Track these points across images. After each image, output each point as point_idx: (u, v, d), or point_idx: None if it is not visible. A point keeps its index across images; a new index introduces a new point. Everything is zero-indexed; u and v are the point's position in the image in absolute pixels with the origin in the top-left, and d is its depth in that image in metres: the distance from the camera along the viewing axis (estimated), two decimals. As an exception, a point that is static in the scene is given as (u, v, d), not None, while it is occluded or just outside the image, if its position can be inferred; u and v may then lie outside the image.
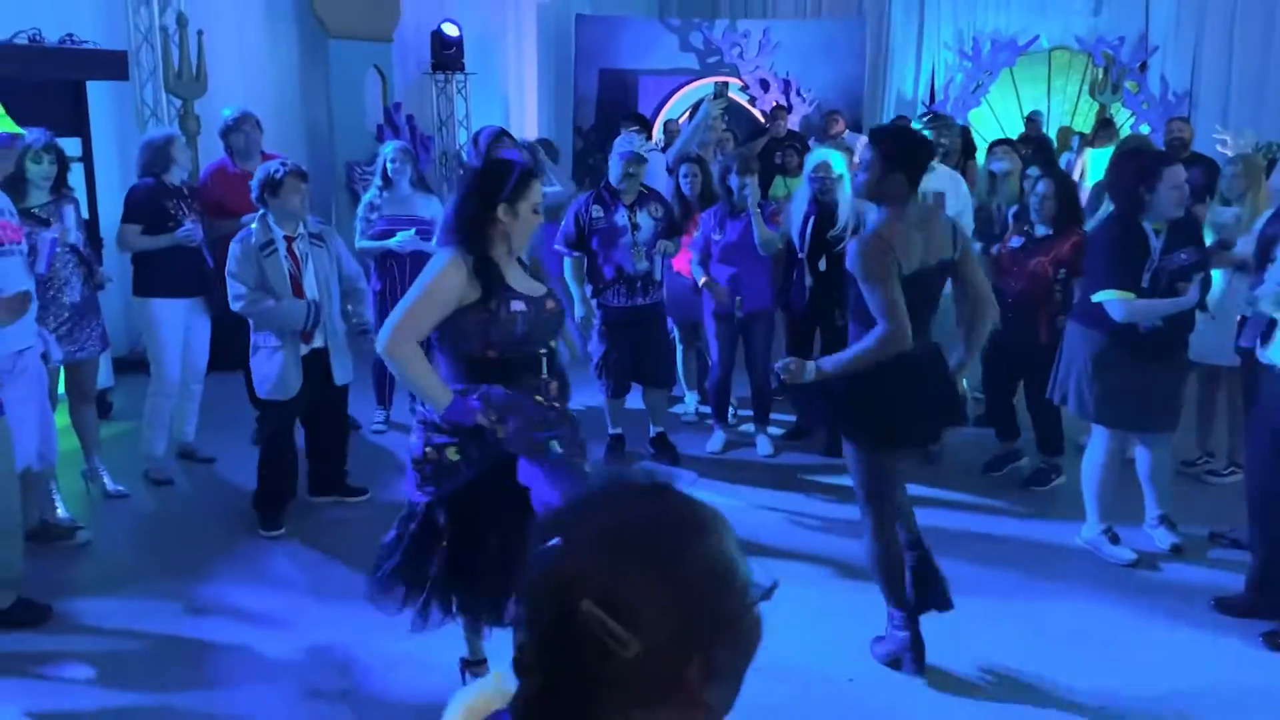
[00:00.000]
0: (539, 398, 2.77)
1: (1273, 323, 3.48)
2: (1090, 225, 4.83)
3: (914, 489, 4.75)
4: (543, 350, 2.80)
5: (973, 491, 4.80)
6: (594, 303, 4.92)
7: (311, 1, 8.31)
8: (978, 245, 5.02)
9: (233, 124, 5.29)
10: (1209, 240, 4.39)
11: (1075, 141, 9.50)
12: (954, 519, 4.49)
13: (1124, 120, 10.69)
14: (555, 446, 2.74)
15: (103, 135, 6.38)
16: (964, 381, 3.40)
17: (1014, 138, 7.88)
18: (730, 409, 5.59)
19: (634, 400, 5.27)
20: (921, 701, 3.15)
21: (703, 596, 0.91)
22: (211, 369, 5.19)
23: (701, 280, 5.13)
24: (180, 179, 4.95)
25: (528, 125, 10.79)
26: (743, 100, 10.96)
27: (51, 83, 5.72)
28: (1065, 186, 4.70)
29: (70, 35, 5.86)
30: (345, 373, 4.46)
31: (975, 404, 5.87)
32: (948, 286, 3.30)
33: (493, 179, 2.74)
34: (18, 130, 3.79)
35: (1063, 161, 8.14)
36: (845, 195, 4.93)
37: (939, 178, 5.03)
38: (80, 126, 5.91)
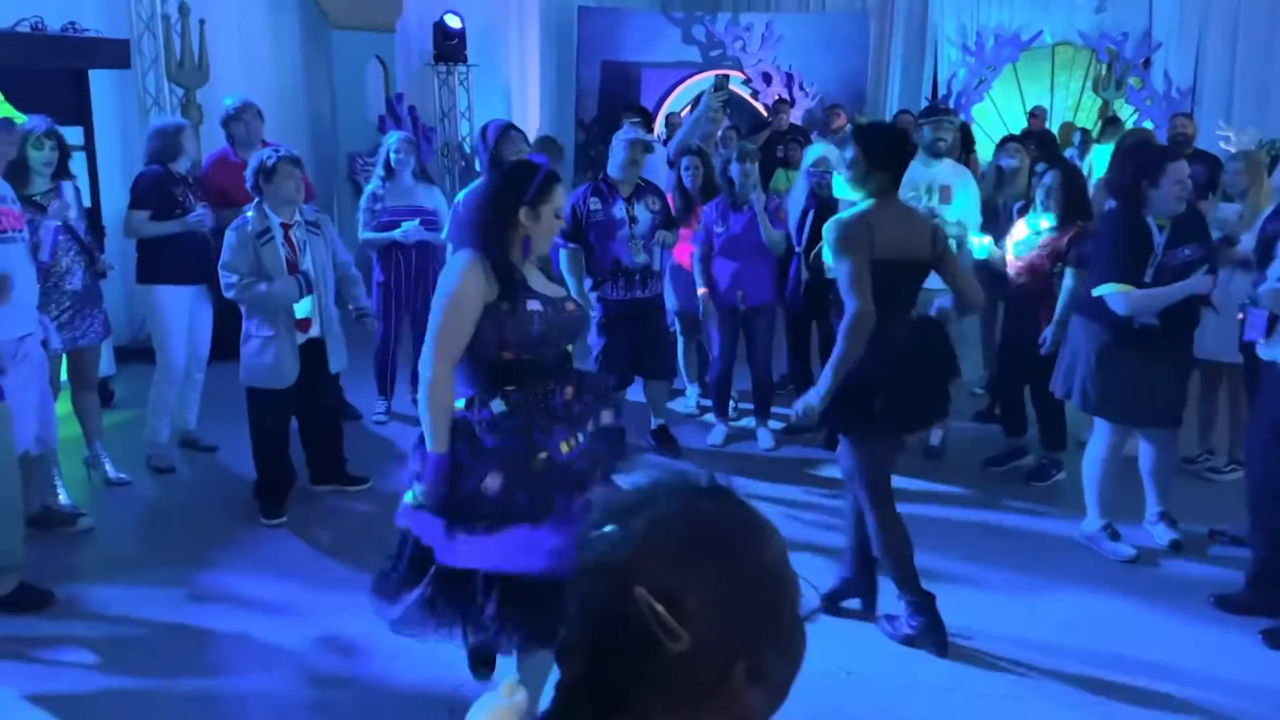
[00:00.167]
0: (561, 395, 2.63)
1: (1274, 319, 3.48)
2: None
3: (916, 483, 4.80)
4: (560, 353, 2.73)
5: (974, 486, 4.81)
6: (593, 296, 4.92)
7: (314, -9, 8.31)
8: (989, 239, 5.04)
9: (234, 113, 5.29)
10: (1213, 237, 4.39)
11: (1077, 137, 9.49)
12: (955, 513, 4.51)
13: (1127, 116, 10.68)
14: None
15: (105, 124, 6.37)
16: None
17: (1018, 134, 7.89)
18: (731, 402, 5.59)
19: (634, 393, 5.27)
20: (920, 694, 3.16)
21: (756, 599, 0.91)
22: (213, 358, 5.19)
23: (700, 290, 5.16)
24: (186, 168, 4.96)
25: (530, 117, 10.78)
26: (745, 94, 10.94)
27: (54, 71, 5.72)
28: (1072, 178, 4.69)
29: (72, 23, 5.85)
30: (340, 360, 4.48)
31: (975, 400, 5.90)
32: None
33: (515, 181, 2.67)
34: (18, 116, 3.79)
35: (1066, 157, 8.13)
36: (842, 189, 4.98)
37: (944, 171, 5.03)
38: (82, 115, 5.91)
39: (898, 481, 4.79)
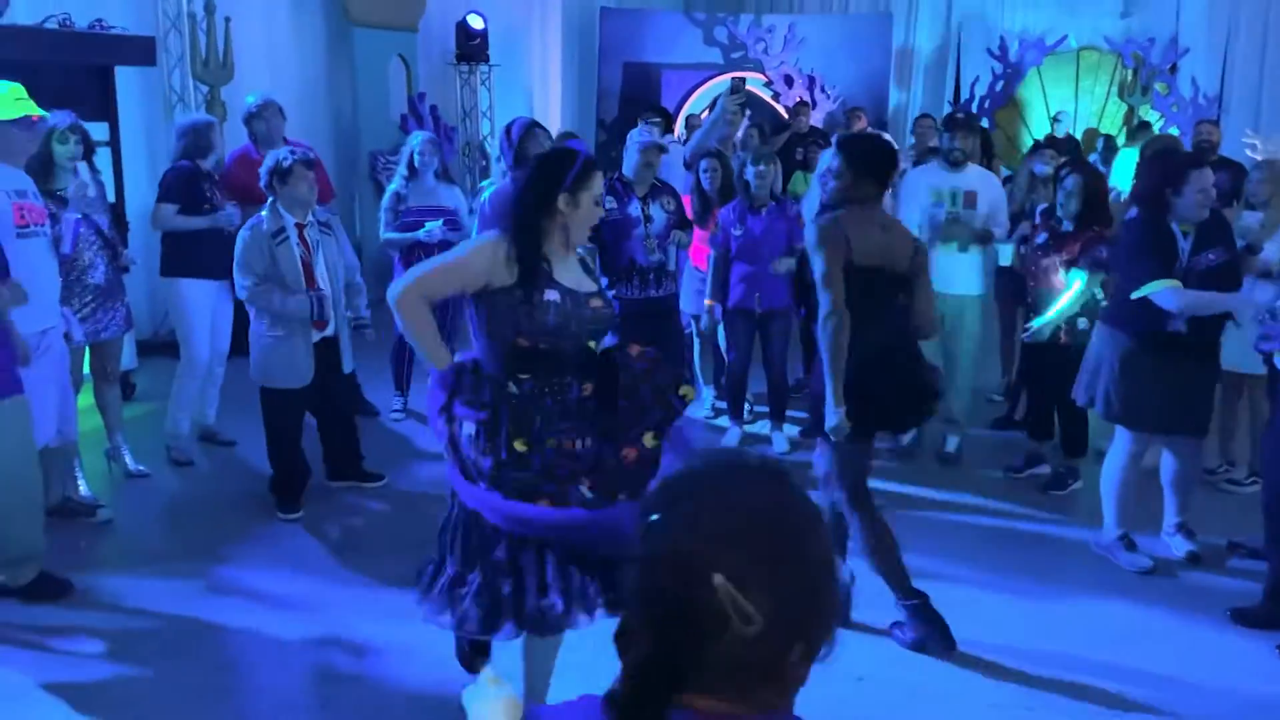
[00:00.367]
0: (578, 389, 2.61)
1: None
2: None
3: (932, 490, 4.79)
4: (581, 348, 2.64)
5: (990, 493, 4.78)
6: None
7: (338, -10, 8.36)
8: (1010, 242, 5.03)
9: (255, 111, 5.34)
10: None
11: (1101, 143, 9.42)
12: (970, 520, 4.48)
13: (1153, 123, 10.58)
14: (584, 491, 2.55)
15: (130, 120, 6.44)
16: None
17: (1049, 139, 7.84)
18: (746, 405, 5.58)
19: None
20: (931, 700, 3.15)
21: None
22: (233, 353, 5.24)
23: (707, 301, 5.17)
24: (213, 164, 5.02)
25: (551, 117, 10.80)
26: (766, 96, 10.93)
27: (80, 67, 5.78)
28: (1093, 183, 4.65)
29: (99, 20, 5.91)
30: (349, 361, 4.51)
31: (994, 407, 5.86)
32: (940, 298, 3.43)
33: (554, 167, 2.62)
34: (40, 112, 3.83)
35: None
36: None
37: (968, 177, 5.00)
38: (108, 111, 5.97)
39: (914, 487, 4.82)
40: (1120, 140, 9.14)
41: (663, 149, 4.93)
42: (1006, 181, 6.36)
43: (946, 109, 11.03)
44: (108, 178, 5.31)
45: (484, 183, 5.44)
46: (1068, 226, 4.62)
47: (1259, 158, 5.49)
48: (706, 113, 8.90)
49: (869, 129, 8.80)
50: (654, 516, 0.95)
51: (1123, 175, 7.11)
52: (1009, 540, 4.30)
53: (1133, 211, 4.80)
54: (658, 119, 7.29)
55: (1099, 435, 4.93)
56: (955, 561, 4.04)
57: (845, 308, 3.16)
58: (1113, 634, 3.54)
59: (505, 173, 5.16)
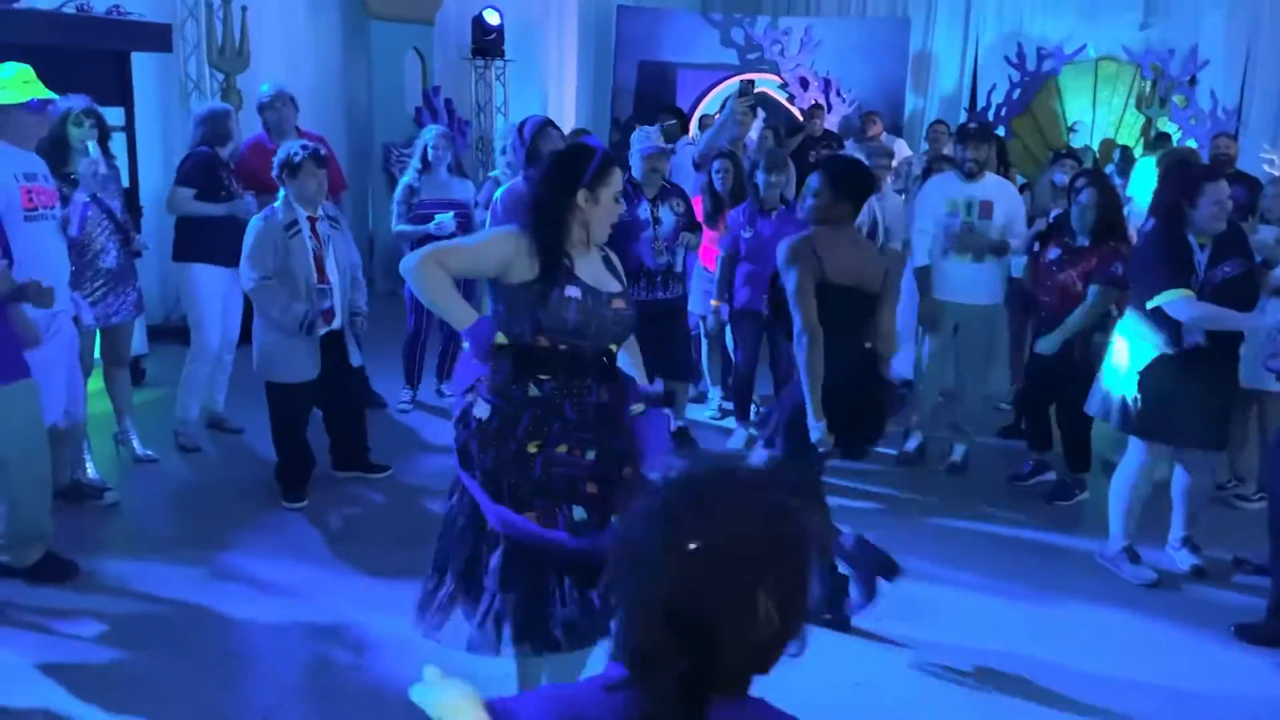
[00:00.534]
0: (596, 395, 2.57)
1: None
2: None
3: (937, 496, 4.77)
4: (600, 350, 2.59)
5: (995, 503, 4.76)
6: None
7: (356, -19, 8.38)
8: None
9: (267, 101, 5.36)
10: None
11: (1117, 154, 9.38)
12: (975, 527, 4.47)
13: (1171, 135, 10.52)
14: (577, 512, 2.50)
15: (146, 106, 6.46)
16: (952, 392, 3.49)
17: (1062, 151, 7.80)
18: (753, 407, 5.57)
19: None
20: (930, 707, 3.14)
21: (810, 583, 1.06)
22: (243, 341, 5.25)
23: (714, 302, 5.17)
24: (229, 152, 5.04)
25: (566, 114, 10.80)
26: (781, 98, 10.91)
27: (97, 52, 5.80)
28: (1108, 198, 4.63)
29: (117, 6, 5.94)
30: (356, 355, 4.53)
31: (1001, 415, 5.84)
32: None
33: (573, 163, 2.57)
34: (49, 95, 3.84)
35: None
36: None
37: (985, 186, 4.96)
38: (124, 96, 6.00)
39: (919, 494, 4.81)
40: (1138, 151, 9.10)
41: (665, 153, 4.92)
42: (1023, 190, 6.33)
43: (963, 116, 11.00)
44: (122, 163, 5.33)
45: (493, 173, 5.43)
46: (1082, 241, 4.59)
47: (1276, 173, 5.47)
48: (719, 114, 8.90)
49: (884, 133, 8.79)
50: (691, 546, 1.00)
51: (1139, 186, 7.09)
52: (1013, 549, 4.29)
53: (1149, 224, 4.79)
54: (672, 120, 7.29)
55: (1105, 447, 4.92)
56: (958, 569, 4.03)
57: (818, 324, 3.28)
58: (1115, 646, 3.53)
59: (509, 166, 5.15)
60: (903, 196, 6.49)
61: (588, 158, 2.58)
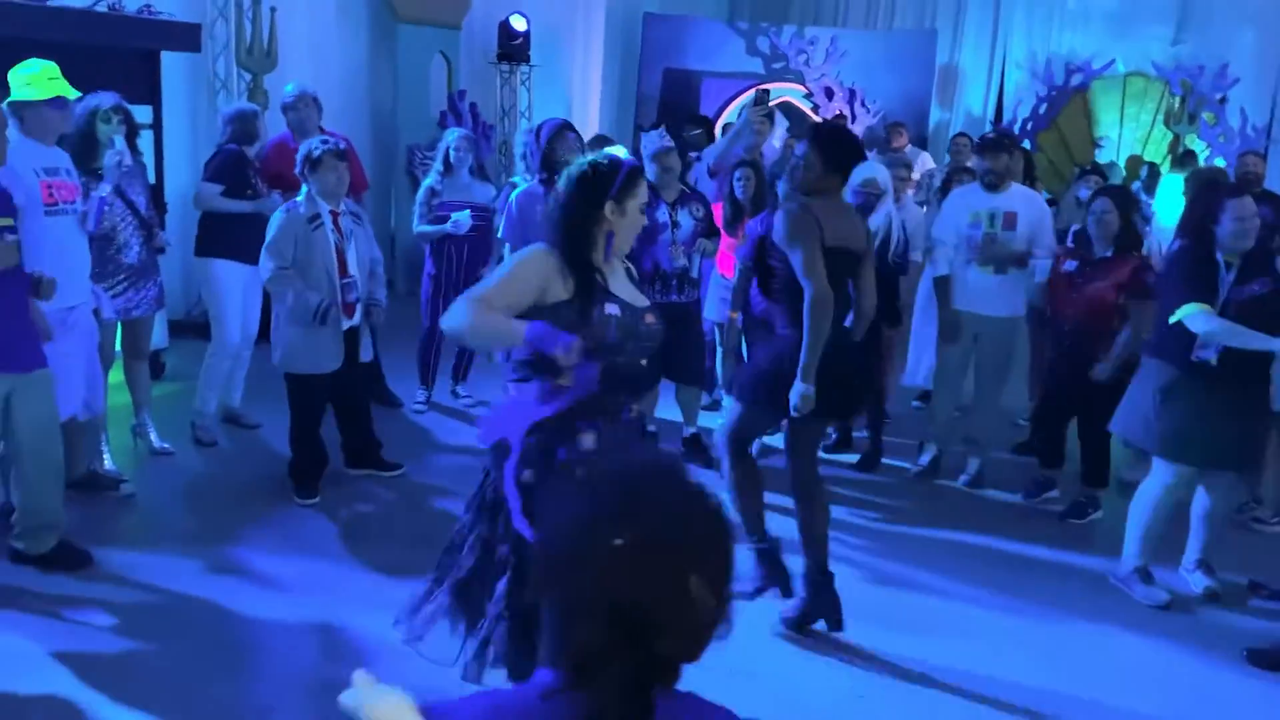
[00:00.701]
0: (629, 412, 2.57)
1: None
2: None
3: (948, 510, 4.74)
4: (635, 365, 2.60)
5: (1007, 518, 4.73)
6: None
7: (384, -15, 8.45)
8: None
9: (291, 102, 5.42)
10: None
11: (1144, 171, 9.30)
12: (985, 544, 4.43)
13: (1199, 152, 10.42)
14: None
15: (174, 104, 6.53)
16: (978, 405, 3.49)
17: (1088, 166, 7.75)
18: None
19: (668, 405, 5.29)
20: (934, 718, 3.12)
21: (733, 562, 1.09)
22: (261, 338, 5.30)
23: (731, 314, 5.16)
24: (255, 152, 5.11)
25: (590, 120, 10.83)
26: (806, 108, 10.90)
27: (127, 50, 5.88)
28: (1124, 204, 4.59)
29: (148, 5, 6.02)
30: (366, 350, 4.58)
31: (1017, 430, 5.80)
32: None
33: (600, 176, 2.58)
34: (72, 93, 3.90)
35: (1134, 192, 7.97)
36: (881, 207, 4.97)
37: (1009, 198, 4.92)
38: (152, 95, 6.07)
39: (931, 506, 4.78)
40: (1165, 168, 9.01)
41: (672, 149, 4.93)
42: (1048, 205, 6.28)
43: (988, 129, 10.94)
44: (149, 159, 5.39)
45: (514, 178, 5.46)
46: (1103, 252, 4.55)
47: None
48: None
49: (909, 146, 8.76)
50: (619, 542, 1.02)
51: (1164, 203, 7.02)
52: (1022, 566, 4.25)
53: (1176, 242, 4.74)
54: (698, 129, 7.30)
55: (1121, 466, 4.88)
56: (966, 584, 4.01)
57: (830, 290, 3.31)
58: (1123, 669, 3.49)
59: (527, 169, 5.16)
60: (923, 208, 6.46)
61: (614, 170, 2.59)
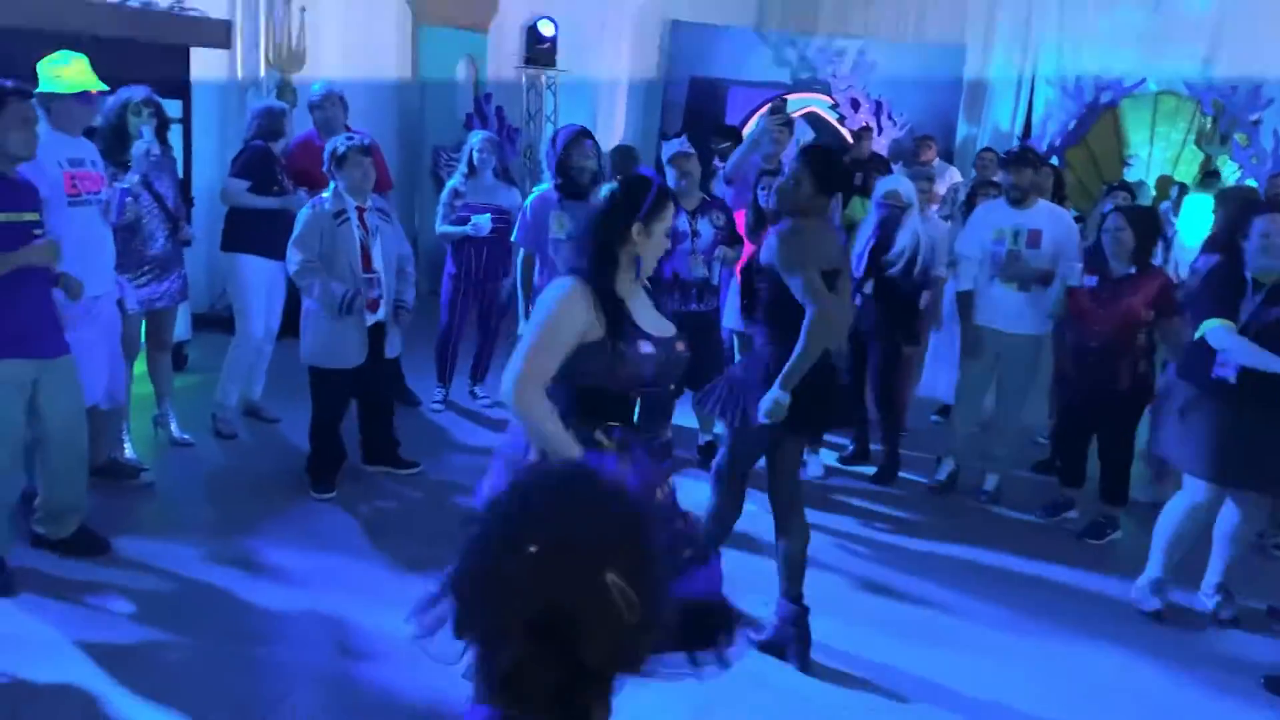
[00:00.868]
0: (660, 439, 2.56)
1: None
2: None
3: (964, 527, 4.70)
4: (666, 393, 2.58)
5: (1024, 537, 4.68)
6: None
7: (414, -13, 8.51)
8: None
9: (317, 100, 5.47)
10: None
11: (1174, 191, 9.22)
12: (1000, 562, 4.39)
13: (1230, 173, 10.31)
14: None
15: (203, 100, 6.60)
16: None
17: (1115, 184, 7.68)
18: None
19: (684, 413, 5.27)
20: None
21: (659, 565, 1.06)
22: (283, 334, 5.34)
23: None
24: (280, 149, 5.15)
25: (615, 127, 10.86)
26: (832, 118, 10.88)
27: (159, 46, 5.94)
28: (1138, 221, 4.54)
29: (179, 2, 6.08)
30: (395, 346, 4.57)
31: (1037, 449, 5.75)
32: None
33: (629, 197, 2.54)
34: (100, 87, 3.94)
35: (1162, 211, 7.90)
36: (907, 223, 4.93)
37: (1035, 214, 4.88)
38: (182, 90, 6.13)
39: (948, 523, 4.75)
40: (1191, 186, 8.93)
41: (689, 155, 4.93)
42: (1076, 223, 6.24)
43: (1015, 144, 10.88)
44: (177, 154, 5.44)
45: (542, 184, 5.48)
46: (1121, 270, 4.50)
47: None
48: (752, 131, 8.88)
49: (937, 160, 8.72)
50: (532, 549, 1.00)
51: (1188, 222, 6.96)
52: (1036, 586, 4.20)
53: (1199, 260, 4.69)
54: (727, 142, 7.29)
55: (1140, 485, 4.82)
56: (979, 601, 3.98)
57: (831, 308, 3.30)
58: (1137, 692, 3.45)
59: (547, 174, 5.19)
60: (948, 222, 6.43)
61: (643, 190, 2.55)
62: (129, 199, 4.21)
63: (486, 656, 1.03)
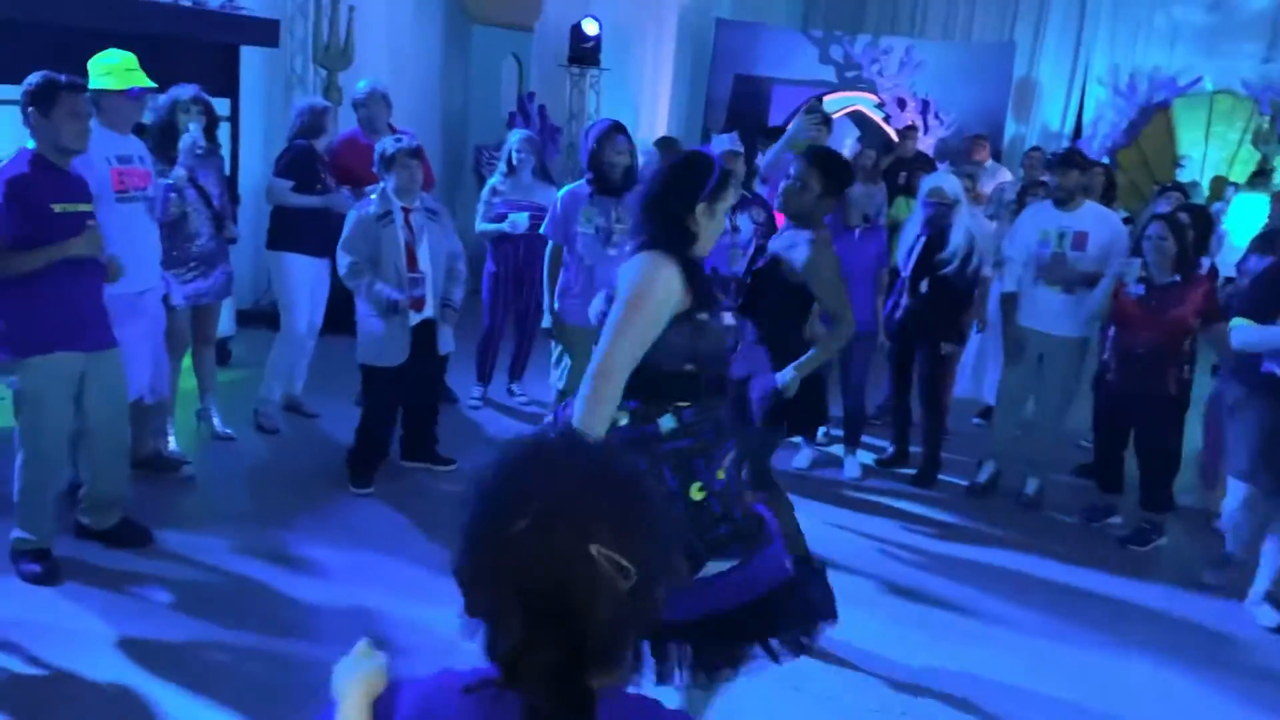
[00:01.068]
0: (724, 411, 2.50)
1: None
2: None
3: (1003, 530, 4.62)
4: (727, 370, 2.51)
5: (1065, 542, 4.59)
6: None
7: (460, -14, 8.57)
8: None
9: (362, 99, 5.52)
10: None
11: (1230, 192, 8.99)
12: (1039, 567, 4.32)
13: (1270, 172, 10.03)
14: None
15: (251, 98, 6.70)
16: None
17: (1167, 184, 7.52)
18: (822, 428, 5.49)
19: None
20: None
21: (659, 522, 1.04)
22: (325, 330, 5.40)
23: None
24: (324, 146, 5.20)
25: (658, 125, 10.85)
26: (877, 117, 10.77)
27: (208, 44, 6.05)
28: (1181, 230, 4.44)
29: (230, 1, 6.18)
30: (447, 342, 4.60)
31: (1081, 453, 5.63)
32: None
33: (696, 174, 2.43)
34: (149, 84, 4.01)
35: (1214, 212, 7.71)
36: (959, 221, 4.85)
37: (1081, 216, 4.79)
38: (231, 88, 6.23)
39: (986, 526, 4.67)
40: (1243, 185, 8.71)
41: (738, 155, 4.89)
42: (1126, 224, 6.11)
43: (1065, 144, 10.70)
44: (225, 152, 5.53)
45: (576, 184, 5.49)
46: (1165, 279, 4.39)
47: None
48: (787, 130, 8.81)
49: (990, 160, 8.60)
50: (516, 527, 0.99)
51: (1236, 221, 6.79)
52: (1075, 593, 4.11)
53: (1251, 260, 4.58)
54: (771, 143, 7.24)
55: (1180, 491, 4.71)
56: (1016, 606, 3.91)
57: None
58: (1175, 705, 3.37)
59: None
60: (993, 222, 6.33)
61: (708, 169, 2.45)
62: (174, 194, 4.28)
63: (491, 637, 1.04)
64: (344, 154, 5.49)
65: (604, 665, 1.01)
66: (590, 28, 9.44)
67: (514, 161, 5.55)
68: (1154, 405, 4.43)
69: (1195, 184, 9.58)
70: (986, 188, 6.93)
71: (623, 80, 10.33)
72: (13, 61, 4.34)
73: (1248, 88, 10.66)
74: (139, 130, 4.26)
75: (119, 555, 3.73)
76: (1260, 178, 8.44)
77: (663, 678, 2.42)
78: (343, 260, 4.39)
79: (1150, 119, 11.00)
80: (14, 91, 3.48)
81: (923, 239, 4.96)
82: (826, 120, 5.23)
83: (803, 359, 3.35)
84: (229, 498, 4.49)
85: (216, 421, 5.00)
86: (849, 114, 10.52)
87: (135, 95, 3.96)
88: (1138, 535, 4.60)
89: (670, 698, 2.52)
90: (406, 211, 4.43)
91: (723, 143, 4.96)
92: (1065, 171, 4.78)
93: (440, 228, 4.56)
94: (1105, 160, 9.73)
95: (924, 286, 4.92)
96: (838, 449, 5.41)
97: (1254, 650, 3.75)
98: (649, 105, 11.03)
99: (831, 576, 3.54)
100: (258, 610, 3.48)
